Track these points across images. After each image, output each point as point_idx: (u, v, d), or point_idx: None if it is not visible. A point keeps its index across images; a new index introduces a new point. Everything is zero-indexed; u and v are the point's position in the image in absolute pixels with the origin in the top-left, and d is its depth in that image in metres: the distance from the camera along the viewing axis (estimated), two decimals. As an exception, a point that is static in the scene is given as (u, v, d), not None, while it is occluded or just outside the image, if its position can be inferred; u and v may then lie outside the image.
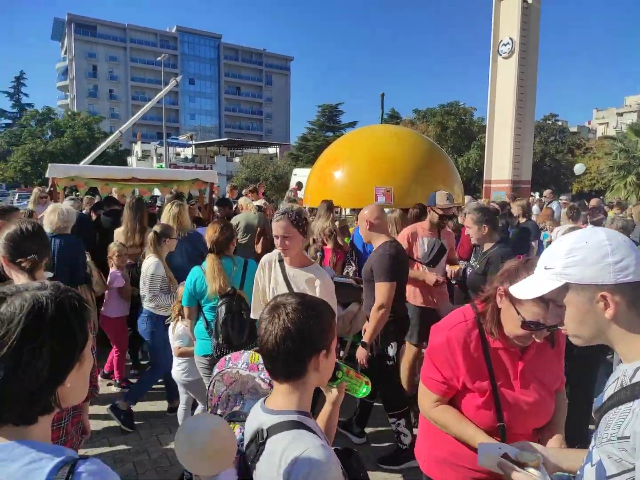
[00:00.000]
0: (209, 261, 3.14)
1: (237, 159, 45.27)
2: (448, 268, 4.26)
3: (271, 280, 2.79)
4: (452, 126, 34.08)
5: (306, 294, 1.38)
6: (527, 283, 1.22)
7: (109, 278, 4.52)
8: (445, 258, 4.24)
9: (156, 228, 3.91)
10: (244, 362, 1.79)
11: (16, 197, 30.89)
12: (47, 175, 6.41)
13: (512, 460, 1.44)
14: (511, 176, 14.75)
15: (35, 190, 7.13)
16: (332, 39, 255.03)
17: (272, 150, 49.33)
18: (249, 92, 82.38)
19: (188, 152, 46.93)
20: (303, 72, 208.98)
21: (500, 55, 14.85)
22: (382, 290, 3.19)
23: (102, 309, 4.47)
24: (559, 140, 37.75)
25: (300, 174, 18.87)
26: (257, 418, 1.28)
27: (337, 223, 6.72)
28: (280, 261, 2.76)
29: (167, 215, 4.36)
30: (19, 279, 2.07)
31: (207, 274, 3.09)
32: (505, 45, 14.68)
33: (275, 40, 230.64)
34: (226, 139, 50.34)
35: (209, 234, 3.24)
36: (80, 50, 67.25)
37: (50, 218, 3.93)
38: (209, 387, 1.73)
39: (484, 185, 15.96)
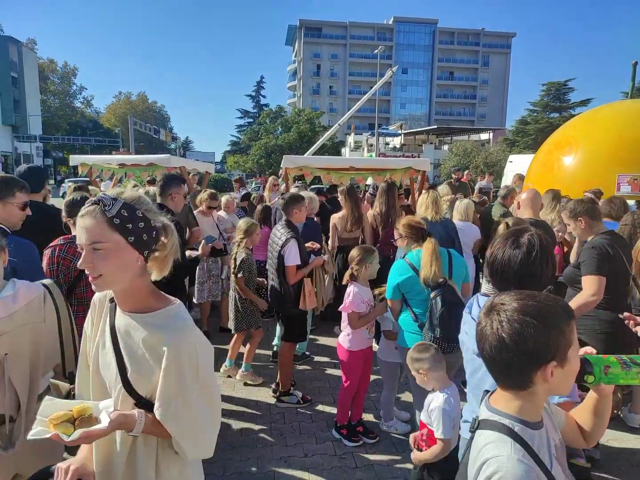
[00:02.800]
0: (429, 245, 3.00)
1: (445, 147, 44.17)
2: None
3: (99, 331, 1.48)
4: None
5: (532, 293, 1.16)
6: None
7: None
8: None
9: None
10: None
11: (252, 185, 36.59)
12: (282, 166, 7.35)
13: None
14: None
15: (270, 179, 8.30)
16: (563, 7, 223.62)
17: (484, 136, 46.50)
18: (463, 75, 79.07)
19: (396, 142, 47.89)
20: (526, 48, 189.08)
21: None
22: None
23: None
24: None
25: (516, 161, 17.26)
26: (481, 407, 1.26)
27: (563, 215, 5.94)
28: (112, 300, 1.46)
29: (425, 201, 4.68)
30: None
31: (423, 258, 2.97)
32: None
33: (496, 17, 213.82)
34: (435, 126, 49.44)
35: (416, 221, 3.22)
36: (308, 51, 74.88)
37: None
38: None
39: None
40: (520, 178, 7.40)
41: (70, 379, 2.03)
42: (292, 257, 3.74)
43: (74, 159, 8.22)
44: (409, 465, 3.19)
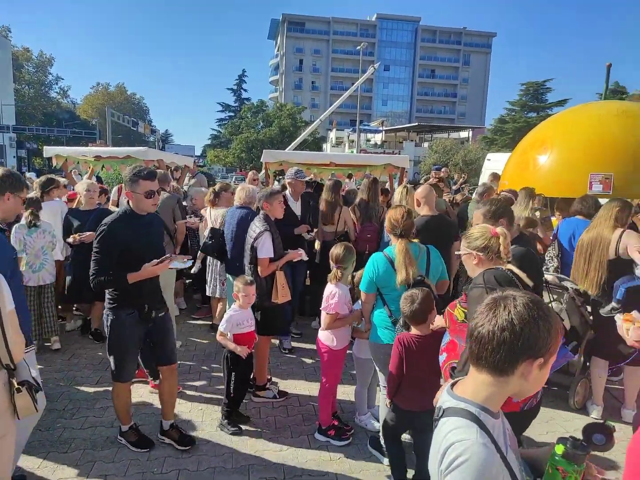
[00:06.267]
0: (400, 247, 3.00)
1: (425, 144, 44.58)
2: None
3: None
4: (701, 100, 27.28)
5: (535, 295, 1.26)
6: None
7: None
8: None
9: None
10: None
11: (233, 179, 36.30)
12: (261, 160, 7.31)
13: None
14: None
15: (250, 173, 8.25)
16: (543, 8, 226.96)
17: (464, 134, 47.09)
18: (444, 74, 79.80)
19: (378, 138, 48.14)
20: (506, 48, 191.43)
21: None
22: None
23: None
24: None
25: (494, 159, 17.50)
26: (442, 397, 1.30)
27: (537, 213, 6.06)
28: None
29: (398, 197, 4.80)
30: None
31: (397, 261, 2.97)
32: None
33: (478, 16, 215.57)
34: (416, 123, 49.80)
35: (395, 217, 3.11)
36: (290, 46, 74.45)
37: (239, 194, 4.87)
38: None
39: None
40: (496, 177, 7.50)
41: (8, 370, 2.03)
42: (265, 250, 3.76)
43: (48, 151, 8.02)
44: (383, 458, 3.24)
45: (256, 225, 3.88)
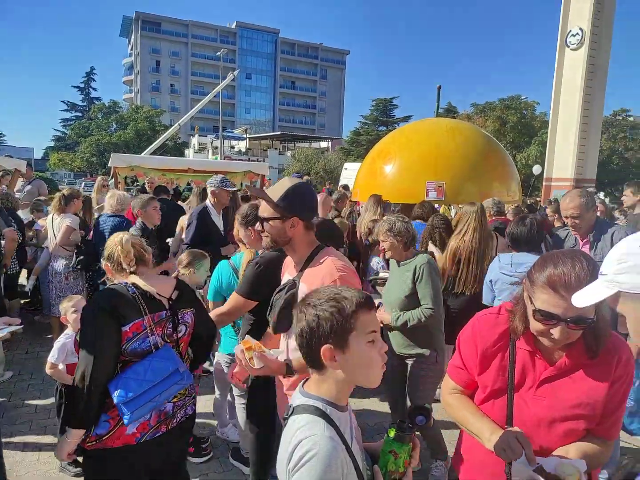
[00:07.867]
0: (247, 256, 2.94)
1: (289, 153, 45.80)
2: None
3: None
4: (512, 121, 32.73)
5: (338, 287, 1.31)
6: (586, 289, 1.14)
7: None
8: None
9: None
10: None
11: (82, 185, 32.88)
12: (109, 165, 6.74)
13: (547, 475, 1.34)
14: (574, 174, 13.94)
15: (98, 179, 7.55)
16: (390, 32, 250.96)
17: (324, 144, 49.51)
18: (304, 86, 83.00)
19: (242, 145, 48.01)
20: (359, 65, 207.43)
21: (568, 46, 14.00)
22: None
23: None
24: (629, 137, 35.18)
25: (350, 168, 18.79)
26: (294, 395, 1.33)
27: (385, 218, 6.63)
28: None
29: None
30: None
31: (241, 270, 2.90)
32: (574, 36, 13.82)
33: (333, 34, 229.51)
34: (279, 132, 50.92)
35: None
36: (146, 46, 70.33)
37: (109, 201, 4.74)
38: None
39: (543, 183, 15.22)
40: (346, 188, 8.14)
41: None
42: None
43: None
44: (244, 468, 3.20)
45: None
